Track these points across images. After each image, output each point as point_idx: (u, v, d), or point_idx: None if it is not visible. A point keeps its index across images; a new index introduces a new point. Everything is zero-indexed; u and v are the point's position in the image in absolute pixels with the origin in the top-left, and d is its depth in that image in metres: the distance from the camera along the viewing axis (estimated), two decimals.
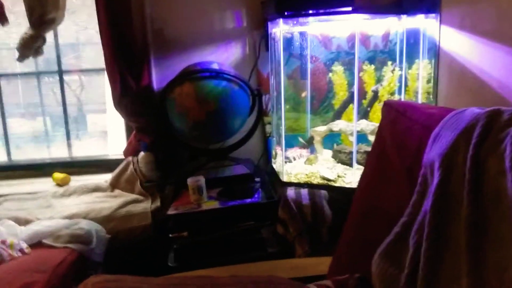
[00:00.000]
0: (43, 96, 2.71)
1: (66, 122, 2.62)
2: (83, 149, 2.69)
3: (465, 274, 0.72)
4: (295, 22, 2.04)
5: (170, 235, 1.84)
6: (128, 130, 2.46)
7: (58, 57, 2.53)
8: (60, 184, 2.39)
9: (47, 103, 2.72)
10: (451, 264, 0.77)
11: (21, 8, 2.09)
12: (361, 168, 1.68)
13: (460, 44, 1.67)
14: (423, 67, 2.02)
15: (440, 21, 1.80)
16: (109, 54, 2.07)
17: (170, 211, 1.86)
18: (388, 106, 1.23)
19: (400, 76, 2.14)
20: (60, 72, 2.54)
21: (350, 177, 1.93)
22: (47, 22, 2.08)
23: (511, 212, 0.67)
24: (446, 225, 0.80)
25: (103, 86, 2.59)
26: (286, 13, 1.82)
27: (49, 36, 2.33)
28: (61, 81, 2.55)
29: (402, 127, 1.12)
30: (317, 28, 2.21)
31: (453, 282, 0.75)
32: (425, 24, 1.97)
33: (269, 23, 2.12)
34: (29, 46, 2.13)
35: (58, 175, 2.42)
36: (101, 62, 2.17)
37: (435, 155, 0.89)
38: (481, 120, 0.83)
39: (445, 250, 0.79)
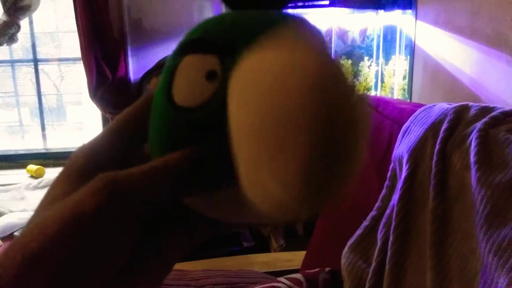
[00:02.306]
0: (21, 85, 2.66)
1: (41, 113, 2.57)
2: (60, 141, 2.65)
3: (429, 268, 0.72)
4: None
5: None
6: (105, 122, 2.43)
7: (34, 46, 2.48)
8: (34, 176, 2.35)
9: (26, 93, 2.67)
10: (417, 258, 0.77)
11: None
12: None
13: (434, 41, 1.68)
14: (399, 64, 2.03)
15: (416, 17, 1.81)
16: (84, 43, 2.04)
17: None
18: None
19: (376, 72, 2.14)
20: (35, 61, 2.49)
21: None
22: (22, 8, 2.04)
23: (474, 207, 0.68)
24: (412, 219, 0.81)
25: (83, 77, 2.55)
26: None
27: (26, 24, 2.29)
28: (36, 70, 2.50)
29: (374, 122, 1.12)
30: None
31: (418, 276, 0.75)
32: (402, 20, 1.98)
33: None
34: (3, 33, 2.09)
35: (32, 167, 2.38)
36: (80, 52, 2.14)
37: (404, 150, 0.90)
38: (449, 115, 0.84)
39: (411, 244, 0.80)
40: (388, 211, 0.88)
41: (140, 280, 0.28)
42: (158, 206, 0.26)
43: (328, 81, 0.22)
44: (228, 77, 0.24)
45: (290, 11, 0.32)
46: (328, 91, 0.21)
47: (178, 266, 1.40)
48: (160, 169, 0.25)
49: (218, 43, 0.26)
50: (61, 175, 0.29)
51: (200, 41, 0.27)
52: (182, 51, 0.28)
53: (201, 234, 0.31)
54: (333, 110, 0.21)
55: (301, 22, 0.29)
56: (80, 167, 0.29)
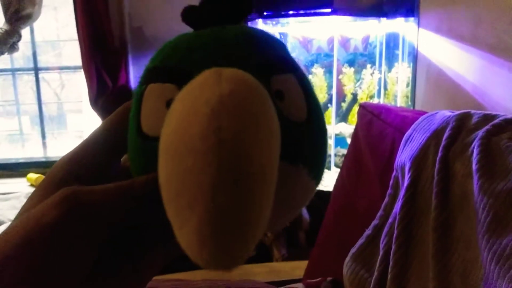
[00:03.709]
0: (22, 94, 2.67)
1: (42, 121, 2.57)
2: (61, 149, 2.66)
3: (431, 277, 0.72)
4: (274, 23, 2.03)
5: None
6: None
7: (34, 54, 2.49)
8: (34, 184, 2.35)
9: (27, 101, 2.68)
10: (419, 267, 0.76)
11: None
12: None
13: (437, 48, 1.68)
14: (402, 71, 2.03)
15: (418, 24, 1.81)
16: (85, 51, 2.05)
17: None
18: (364, 109, 1.23)
19: (379, 79, 2.14)
20: (36, 70, 2.50)
21: (328, 180, 1.94)
22: (23, 17, 2.06)
23: (476, 215, 0.67)
24: (415, 227, 0.80)
25: (84, 85, 2.56)
26: (265, 13, 1.82)
27: (27, 33, 2.30)
28: (37, 78, 2.51)
29: (377, 129, 1.12)
30: (298, 29, 2.21)
31: (420, 285, 0.75)
32: (404, 27, 1.98)
33: (249, 23, 2.11)
34: (4, 42, 2.11)
35: (32, 175, 2.38)
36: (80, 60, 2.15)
37: (406, 158, 0.89)
38: (451, 123, 0.83)
39: (413, 252, 0.79)
40: (390, 220, 0.87)
41: None
42: (123, 224, 0.26)
43: (228, 122, 0.20)
44: None
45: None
46: (228, 137, 0.20)
47: (178, 276, 1.39)
48: (124, 189, 0.26)
49: (175, 72, 0.27)
50: (40, 186, 0.29)
51: (160, 69, 0.29)
52: (146, 78, 0.29)
53: (176, 249, 0.32)
54: (234, 158, 0.20)
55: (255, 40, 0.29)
56: (58, 179, 0.29)
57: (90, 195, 0.25)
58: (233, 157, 0.20)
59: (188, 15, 0.30)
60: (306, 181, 0.29)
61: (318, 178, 0.30)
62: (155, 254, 0.31)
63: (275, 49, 0.30)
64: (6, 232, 0.25)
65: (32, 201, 0.28)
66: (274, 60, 0.29)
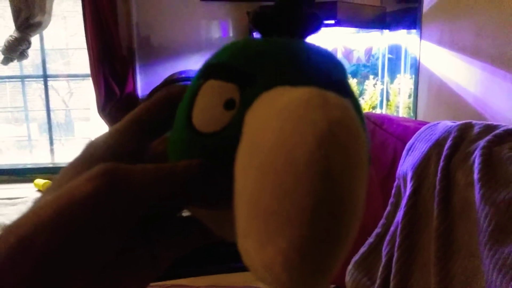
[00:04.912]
0: (31, 101, 2.70)
1: (50, 128, 2.60)
2: (68, 156, 2.67)
3: (433, 285, 0.72)
4: None
5: None
6: None
7: (44, 62, 2.52)
8: (42, 190, 2.36)
9: (35, 108, 2.71)
10: (421, 274, 0.77)
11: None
12: None
13: (439, 60, 1.70)
14: (404, 82, 2.04)
15: (420, 36, 1.83)
16: (94, 60, 2.07)
17: None
18: (366, 118, 1.24)
19: (382, 90, 2.16)
20: (45, 77, 2.53)
21: None
22: (33, 25, 2.09)
23: (478, 224, 0.68)
24: (417, 235, 0.81)
25: (92, 93, 2.58)
26: None
27: (37, 41, 2.33)
28: (46, 86, 2.53)
29: (379, 139, 1.13)
30: None
31: None
32: (406, 39, 2.00)
33: (254, 34, 2.13)
34: (14, 49, 2.14)
35: (39, 181, 2.39)
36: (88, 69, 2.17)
37: (408, 167, 0.90)
38: (453, 133, 0.84)
39: (415, 261, 0.80)
40: (392, 228, 0.89)
41: (128, 277, 0.27)
42: (155, 207, 0.25)
43: (335, 152, 0.20)
44: (244, 109, 0.25)
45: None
46: (335, 167, 0.20)
47: (183, 281, 1.40)
48: (165, 171, 0.25)
49: (241, 72, 0.27)
50: (74, 162, 0.28)
51: (224, 66, 0.28)
52: (207, 73, 0.28)
53: (194, 241, 0.31)
54: (338, 191, 0.20)
55: (321, 57, 0.29)
56: (94, 156, 0.28)
57: (129, 172, 0.24)
58: (336, 192, 0.20)
59: (258, 20, 0.30)
60: None
61: None
62: (173, 242, 0.30)
63: (339, 70, 0.30)
64: (39, 206, 0.24)
65: (65, 177, 0.27)
66: (338, 81, 0.28)
